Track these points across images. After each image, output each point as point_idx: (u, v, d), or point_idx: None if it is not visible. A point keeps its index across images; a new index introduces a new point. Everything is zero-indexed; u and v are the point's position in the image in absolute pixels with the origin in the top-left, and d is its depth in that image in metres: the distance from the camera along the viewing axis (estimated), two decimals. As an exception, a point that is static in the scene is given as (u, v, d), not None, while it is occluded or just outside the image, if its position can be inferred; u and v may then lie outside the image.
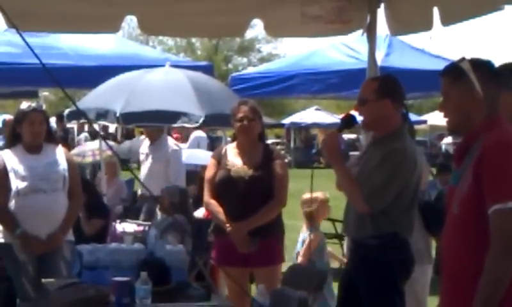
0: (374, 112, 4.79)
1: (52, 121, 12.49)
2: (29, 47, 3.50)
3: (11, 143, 6.24)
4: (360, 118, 4.95)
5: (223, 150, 6.11)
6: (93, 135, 19.23)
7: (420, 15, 5.78)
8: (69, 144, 13.74)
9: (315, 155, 41.25)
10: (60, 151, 6.25)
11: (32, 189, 6.02)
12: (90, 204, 8.06)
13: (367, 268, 4.72)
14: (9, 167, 6.07)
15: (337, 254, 11.03)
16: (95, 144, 14.27)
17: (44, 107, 6.43)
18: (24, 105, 6.27)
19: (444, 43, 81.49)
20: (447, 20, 5.45)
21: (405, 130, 4.92)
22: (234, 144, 6.09)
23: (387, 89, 4.83)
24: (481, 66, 3.53)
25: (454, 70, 3.55)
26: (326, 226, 11.49)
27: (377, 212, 4.68)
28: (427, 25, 5.78)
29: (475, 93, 3.47)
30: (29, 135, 6.13)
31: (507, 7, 4.85)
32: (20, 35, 3.65)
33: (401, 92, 4.91)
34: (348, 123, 5.03)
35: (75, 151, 14.01)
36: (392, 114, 4.83)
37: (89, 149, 14.46)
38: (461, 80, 3.50)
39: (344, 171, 4.81)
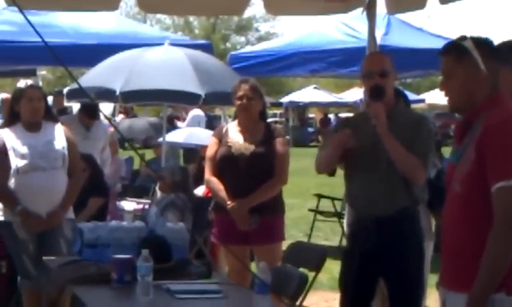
0: (393, 84, 5.04)
1: (49, 100, 12.45)
2: (31, 24, 3.49)
3: (10, 122, 6.24)
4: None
5: (224, 129, 6.12)
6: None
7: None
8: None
9: (313, 133, 41.36)
10: (59, 129, 6.25)
11: (32, 167, 6.02)
12: (91, 181, 8.07)
13: (403, 240, 4.83)
14: (8, 146, 6.07)
15: (336, 232, 11.08)
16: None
17: (41, 84, 6.40)
18: (21, 83, 6.27)
19: (442, 21, 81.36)
20: (445, -1, 5.45)
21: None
22: (235, 122, 6.09)
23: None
24: (483, 44, 3.52)
25: (457, 49, 3.53)
26: (325, 205, 11.54)
27: (404, 185, 4.82)
28: (421, 4, 5.78)
29: (479, 71, 3.46)
30: (27, 112, 6.12)
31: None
32: (22, 13, 3.64)
33: None
34: (380, 94, 4.89)
35: None
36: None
37: None
38: (465, 59, 3.48)
39: (397, 143, 4.78)
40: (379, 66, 4.95)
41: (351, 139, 4.87)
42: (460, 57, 3.50)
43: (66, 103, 13.98)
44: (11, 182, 6.04)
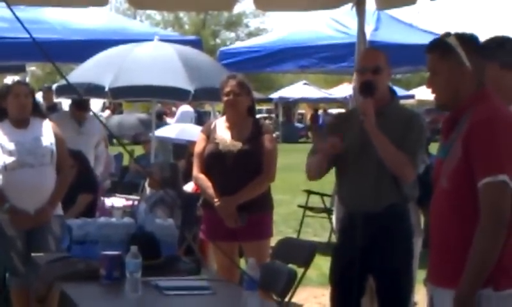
0: (387, 81, 5.02)
1: (39, 96, 12.40)
2: (19, 20, 3.47)
3: None
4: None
5: (212, 125, 6.11)
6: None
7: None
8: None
9: (302, 129, 41.37)
10: (47, 126, 6.22)
11: (20, 164, 6.00)
12: (80, 177, 8.05)
13: (392, 237, 4.84)
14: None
15: (326, 228, 11.09)
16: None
17: (28, 80, 6.38)
18: (8, 79, 6.26)
19: (432, 17, 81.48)
20: (435, -6, 5.46)
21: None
22: (224, 118, 6.08)
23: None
24: (467, 40, 3.54)
25: (441, 46, 3.54)
26: (314, 201, 11.54)
27: (393, 182, 4.82)
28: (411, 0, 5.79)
29: (464, 67, 3.48)
30: (14, 108, 6.10)
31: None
32: (10, 9, 3.62)
33: None
34: (371, 89, 4.90)
35: None
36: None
37: None
38: (450, 56, 3.50)
39: (385, 140, 4.78)
40: (372, 62, 4.95)
41: (341, 145, 4.87)
42: (444, 54, 3.52)
43: (55, 99, 13.95)
44: (-1, 179, 6.02)
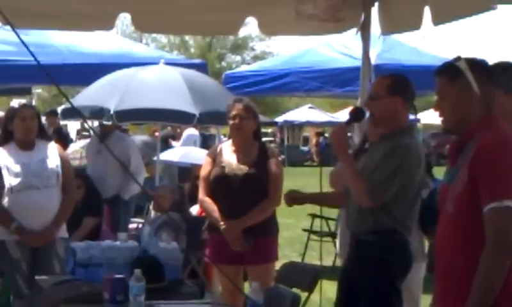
0: (384, 108, 4.81)
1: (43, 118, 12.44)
2: (24, 44, 3.49)
3: (3, 141, 6.25)
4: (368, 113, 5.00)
5: (218, 148, 6.12)
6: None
7: (412, 14, 5.80)
8: (64, 141, 13.70)
9: (308, 153, 41.37)
10: (53, 148, 6.26)
11: (25, 186, 6.02)
12: (86, 200, 8.07)
13: (365, 266, 4.73)
14: (2, 164, 6.08)
15: (330, 252, 11.06)
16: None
17: (34, 103, 6.43)
18: (15, 102, 6.30)
19: (437, 42, 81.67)
20: (438, 20, 5.46)
21: (413, 128, 4.97)
22: (230, 142, 6.09)
23: (399, 86, 4.87)
24: (477, 65, 3.53)
25: (451, 70, 3.54)
26: (319, 224, 11.51)
27: (378, 207, 4.70)
28: (416, 25, 5.80)
29: (472, 92, 3.47)
30: (20, 131, 6.14)
31: (499, 6, 4.86)
32: (15, 32, 3.64)
33: (411, 92, 4.94)
34: (357, 116, 5.04)
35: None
36: (401, 111, 4.85)
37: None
38: (458, 80, 3.49)
39: (351, 165, 4.78)
40: (371, 88, 5.00)
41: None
42: (453, 78, 3.51)
43: (61, 122, 14.00)
44: (5, 201, 6.03)
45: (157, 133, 11.72)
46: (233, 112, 5.94)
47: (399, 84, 4.90)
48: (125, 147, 9.12)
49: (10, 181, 6.03)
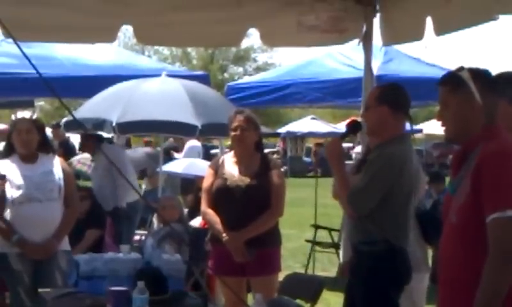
0: (373, 118, 4.86)
1: (48, 131, 12.46)
2: (26, 56, 3.49)
3: (7, 153, 6.26)
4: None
5: (220, 160, 6.12)
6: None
7: (413, 24, 5.80)
8: (71, 153, 13.71)
9: (310, 164, 41.34)
10: (56, 161, 6.26)
11: (27, 198, 6.02)
12: (89, 213, 8.08)
13: (360, 275, 4.74)
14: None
15: (334, 263, 11.05)
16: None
17: (35, 116, 6.41)
18: (19, 115, 6.29)
19: (439, 52, 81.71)
20: (440, 30, 5.47)
21: (405, 138, 4.95)
22: (232, 153, 6.09)
23: (385, 96, 4.88)
24: (480, 76, 3.54)
25: (453, 79, 3.54)
26: (322, 235, 11.51)
27: (364, 217, 4.72)
28: (418, 35, 5.81)
29: (474, 102, 3.47)
30: (18, 144, 6.16)
31: (501, 17, 4.86)
32: (17, 45, 3.65)
33: (403, 101, 4.93)
34: (353, 129, 5.09)
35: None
36: (389, 120, 4.85)
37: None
38: (461, 90, 3.50)
39: (342, 177, 4.84)
40: (365, 100, 5.05)
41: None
42: (456, 88, 3.52)
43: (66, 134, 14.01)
44: (7, 213, 6.03)
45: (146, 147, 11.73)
46: (234, 124, 5.94)
47: (387, 93, 4.92)
48: (116, 158, 9.13)
49: (12, 193, 6.02)
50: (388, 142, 4.80)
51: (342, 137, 5.05)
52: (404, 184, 4.78)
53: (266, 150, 7.44)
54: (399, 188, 4.75)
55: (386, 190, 4.70)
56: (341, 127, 32.72)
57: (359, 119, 5.32)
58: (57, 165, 6.23)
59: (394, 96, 4.90)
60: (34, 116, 6.35)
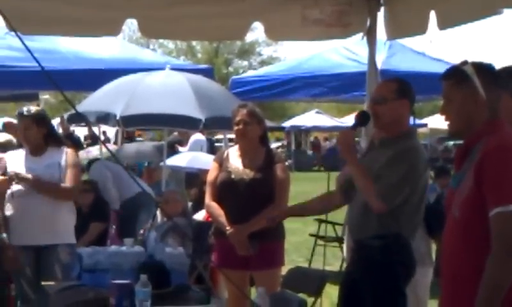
0: (392, 112, 4.79)
1: (55, 123, 12.48)
2: (28, 50, 3.49)
3: (20, 145, 6.33)
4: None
5: (225, 153, 6.12)
6: (94, 139, 19.25)
7: (417, 18, 5.80)
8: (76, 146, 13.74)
9: (315, 158, 41.38)
10: (63, 153, 6.21)
11: (26, 191, 6.02)
12: (93, 206, 8.09)
13: (370, 270, 4.70)
14: (9, 169, 6.10)
15: (337, 257, 11.05)
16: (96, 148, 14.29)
17: (42, 107, 6.42)
18: (25, 108, 6.29)
19: (444, 46, 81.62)
20: (444, 24, 5.46)
21: (415, 132, 4.95)
22: (236, 147, 6.09)
23: (406, 90, 4.87)
24: (484, 70, 3.53)
25: (457, 74, 3.54)
26: (325, 229, 11.50)
27: (384, 212, 4.68)
28: (422, 29, 5.80)
29: (478, 96, 3.47)
30: (20, 139, 6.21)
31: (506, 11, 4.85)
32: (20, 38, 3.65)
33: (414, 96, 4.94)
34: (363, 120, 5.00)
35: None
36: (406, 115, 4.87)
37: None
38: (464, 84, 3.49)
39: (359, 169, 4.75)
40: (377, 93, 4.96)
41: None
42: (459, 82, 3.51)
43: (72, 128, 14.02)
44: (7, 206, 6.04)
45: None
46: (238, 118, 5.94)
47: (406, 87, 4.90)
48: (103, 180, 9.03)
49: (13, 186, 6.04)
50: (400, 136, 4.77)
51: (353, 128, 4.98)
52: (424, 180, 4.79)
53: (274, 144, 7.44)
54: (420, 184, 4.75)
55: (412, 185, 4.70)
56: (346, 121, 32.76)
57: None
58: (63, 157, 6.18)
59: (411, 91, 4.90)
60: (39, 108, 6.37)
